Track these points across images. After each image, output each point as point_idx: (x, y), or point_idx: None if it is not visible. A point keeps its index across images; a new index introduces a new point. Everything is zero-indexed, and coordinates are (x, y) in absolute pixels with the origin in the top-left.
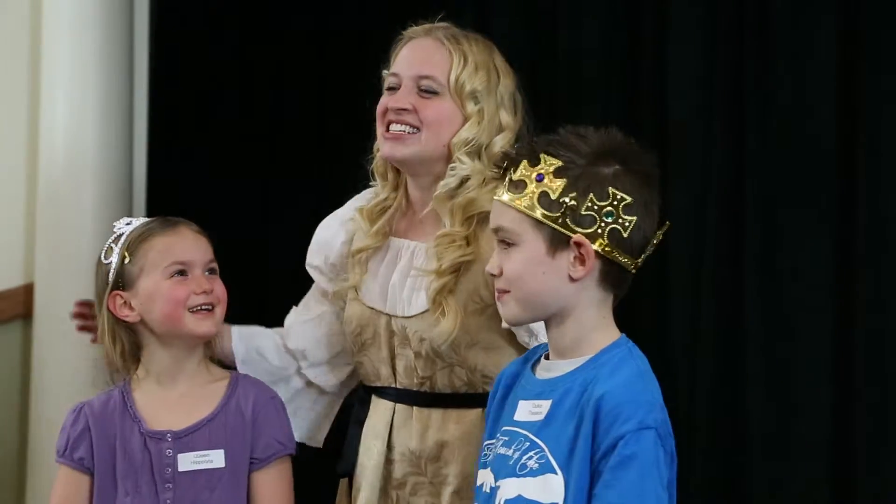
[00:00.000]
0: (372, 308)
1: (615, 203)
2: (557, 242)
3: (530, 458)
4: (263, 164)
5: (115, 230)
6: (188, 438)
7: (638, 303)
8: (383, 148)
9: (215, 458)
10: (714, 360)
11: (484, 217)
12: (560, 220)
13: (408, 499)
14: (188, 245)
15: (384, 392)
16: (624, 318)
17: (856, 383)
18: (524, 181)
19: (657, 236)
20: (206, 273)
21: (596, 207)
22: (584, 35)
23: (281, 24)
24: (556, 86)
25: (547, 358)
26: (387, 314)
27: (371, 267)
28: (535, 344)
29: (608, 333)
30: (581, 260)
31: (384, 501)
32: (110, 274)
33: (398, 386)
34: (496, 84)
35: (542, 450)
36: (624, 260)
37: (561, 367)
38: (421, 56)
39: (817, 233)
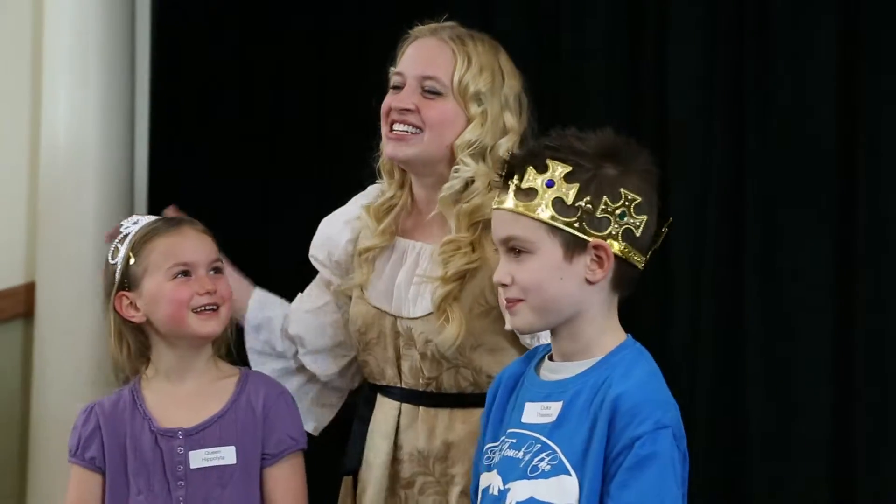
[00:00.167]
0: (377, 308)
1: (627, 203)
2: (574, 247)
3: (542, 459)
4: (264, 163)
5: (121, 230)
6: (199, 436)
7: (638, 303)
8: (386, 148)
9: (227, 455)
10: (714, 360)
11: (490, 222)
12: (577, 225)
13: (416, 498)
14: (191, 245)
15: (389, 391)
16: (625, 318)
17: (856, 383)
18: (534, 188)
19: (662, 232)
20: (211, 272)
21: (610, 209)
22: (586, 36)
23: (281, 24)
24: (558, 86)
25: (551, 359)
26: (392, 315)
27: (377, 266)
28: (537, 344)
29: (616, 335)
30: (599, 263)
31: (392, 500)
32: (116, 274)
33: (403, 386)
34: (501, 85)
35: (555, 451)
36: (638, 259)
37: (569, 368)
38: (425, 56)
39: (817, 233)
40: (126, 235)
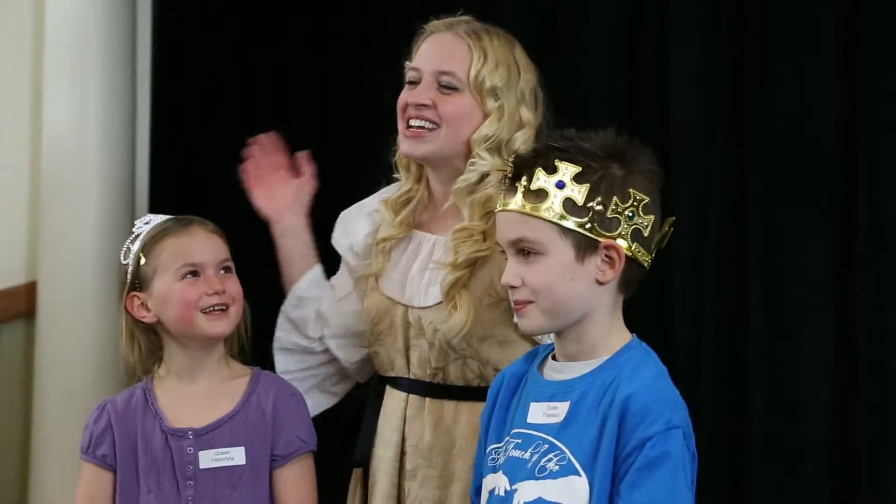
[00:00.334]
0: (390, 298)
1: (635, 204)
2: (586, 248)
3: (550, 460)
4: None
5: (133, 230)
6: (209, 436)
7: (640, 303)
8: (403, 145)
9: (236, 456)
10: (716, 361)
11: None
12: (588, 226)
13: (416, 491)
14: (200, 246)
15: (398, 382)
16: (627, 318)
17: (856, 383)
18: (544, 189)
19: (667, 232)
20: (221, 272)
21: (620, 209)
22: (587, 35)
23: (281, 24)
24: (559, 86)
25: (554, 359)
26: (404, 304)
27: (393, 257)
28: (549, 341)
29: (622, 335)
30: (610, 263)
31: (397, 492)
32: (128, 275)
33: (411, 377)
34: (517, 80)
35: (563, 452)
36: (645, 259)
37: (575, 368)
38: (441, 51)
39: (818, 233)
40: (138, 235)
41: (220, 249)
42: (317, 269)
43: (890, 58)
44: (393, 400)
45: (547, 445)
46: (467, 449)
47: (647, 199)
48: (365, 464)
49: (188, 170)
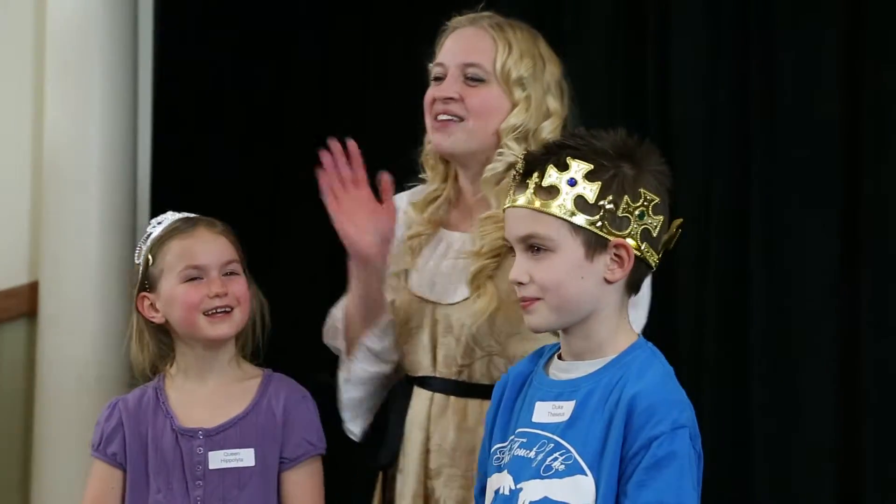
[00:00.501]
0: (419, 296)
1: (646, 203)
2: (596, 246)
3: (555, 459)
4: (267, 163)
5: (147, 229)
6: (219, 437)
7: None
8: (433, 140)
9: (245, 457)
10: (717, 361)
11: None
12: (599, 224)
13: (441, 490)
14: (203, 248)
15: (424, 382)
16: None
17: (860, 383)
18: (556, 186)
19: (676, 233)
20: (225, 275)
21: (630, 209)
22: (589, 35)
23: (282, 23)
24: None
25: (560, 358)
26: (432, 302)
27: (423, 255)
28: None
29: (628, 335)
30: (619, 262)
31: (424, 491)
32: (138, 275)
33: (437, 375)
34: (542, 70)
35: (569, 451)
36: (654, 260)
37: (581, 367)
38: (466, 45)
39: (822, 232)
40: (149, 235)
41: (225, 251)
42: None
43: (895, 56)
44: (419, 399)
45: (552, 445)
46: None
47: (657, 200)
48: (391, 464)
49: (189, 169)
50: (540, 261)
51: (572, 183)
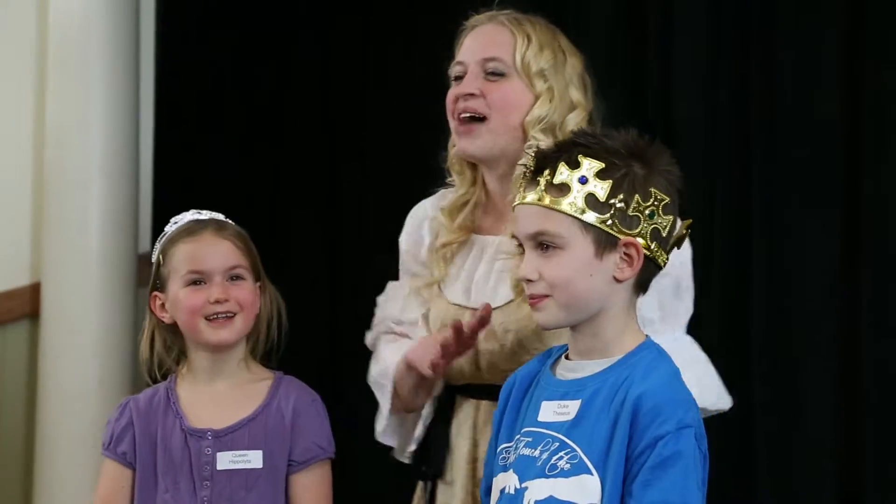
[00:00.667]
0: (456, 304)
1: (656, 203)
2: (605, 244)
3: (560, 458)
4: (269, 161)
5: (165, 228)
6: (228, 438)
7: None
8: (458, 144)
9: (253, 459)
10: (719, 361)
11: None
12: (609, 223)
13: None
14: (206, 253)
15: (467, 390)
16: None
17: (860, 383)
18: (566, 184)
19: (685, 233)
20: (229, 280)
21: (641, 208)
22: (590, 35)
23: (282, 23)
24: None
25: (567, 358)
26: (471, 309)
27: (456, 263)
28: None
29: (636, 335)
30: (629, 261)
31: (471, 502)
32: (152, 275)
33: (482, 382)
34: (563, 63)
35: (574, 450)
36: (663, 259)
37: (588, 367)
38: (484, 40)
39: (822, 232)
40: (164, 235)
41: (230, 257)
42: None
43: (895, 56)
44: (464, 408)
45: (557, 444)
46: None
47: (667, 200)
48: (438, 476)
49: (192, 168)
50: (549, 258)
51: (583, 181)
